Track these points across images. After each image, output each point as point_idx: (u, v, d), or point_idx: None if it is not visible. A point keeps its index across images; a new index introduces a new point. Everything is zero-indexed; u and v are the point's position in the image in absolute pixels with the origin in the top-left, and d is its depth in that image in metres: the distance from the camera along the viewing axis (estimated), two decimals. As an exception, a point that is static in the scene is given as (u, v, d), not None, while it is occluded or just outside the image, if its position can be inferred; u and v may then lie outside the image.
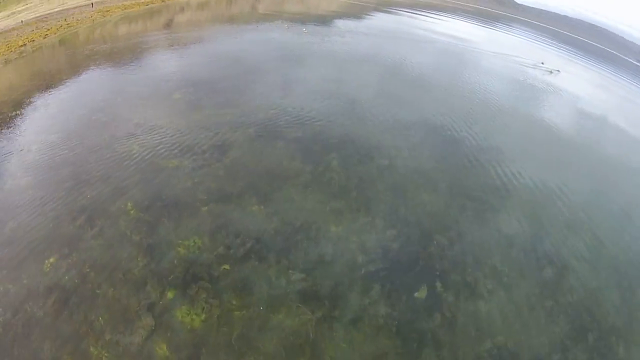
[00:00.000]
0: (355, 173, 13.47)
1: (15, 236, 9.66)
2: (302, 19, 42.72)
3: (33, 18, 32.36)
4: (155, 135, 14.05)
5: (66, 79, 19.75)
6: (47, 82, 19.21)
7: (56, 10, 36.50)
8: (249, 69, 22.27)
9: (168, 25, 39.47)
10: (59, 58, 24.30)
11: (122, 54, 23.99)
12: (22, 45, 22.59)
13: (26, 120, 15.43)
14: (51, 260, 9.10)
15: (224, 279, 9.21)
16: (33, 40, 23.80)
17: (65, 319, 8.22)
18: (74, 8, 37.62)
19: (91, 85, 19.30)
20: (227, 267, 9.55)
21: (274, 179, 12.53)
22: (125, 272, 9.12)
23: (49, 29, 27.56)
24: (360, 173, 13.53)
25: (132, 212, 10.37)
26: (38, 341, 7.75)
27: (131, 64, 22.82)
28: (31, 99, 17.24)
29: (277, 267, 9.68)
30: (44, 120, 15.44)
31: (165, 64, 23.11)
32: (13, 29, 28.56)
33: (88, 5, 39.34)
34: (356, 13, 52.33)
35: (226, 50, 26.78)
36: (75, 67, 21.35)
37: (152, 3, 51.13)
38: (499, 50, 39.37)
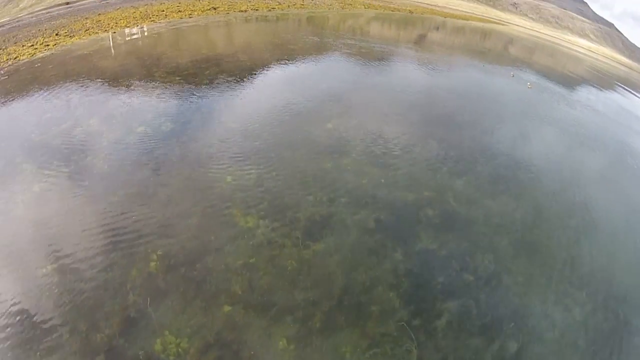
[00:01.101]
0: (455, 356, 8.76)
1: (43, 231, 9.56)
2: (537, 71, 40.89)
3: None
4: (257, 172, 12.61)
5: (236, 62, 19.92)
6: (215, 57, 19.54)
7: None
8: (438, 118, 19.30)
9: (418, 40, 39.68)
10: (255, 35, 25.49)
11: (331, 49, 23.50)
12: (242, 11, 24.35)
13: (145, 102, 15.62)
14: (49, 268, 8.55)
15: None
16: (256, 10, 25.58)
17: (16, 334, 7.67)
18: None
19: (252, 85, 19.13)
20: (185, 401, 7.44)
21: (342, 312, 9.06)
22: (90, 329, 8.06)
23: (279, 4, 29.49)
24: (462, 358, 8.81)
25: (152, 264, 9.15)
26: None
27: (323, 69, 22.20)
28: (191, 69, 17.58)
29: None
30: (163, 103, 15.57)
31: (358, 78, 21.92)
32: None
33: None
34: (595, 84, 47.14)
35: (433, 85, 24.86)
36: (261, 52, 21.69)
37: (399, 11, 52.45)
38: None
